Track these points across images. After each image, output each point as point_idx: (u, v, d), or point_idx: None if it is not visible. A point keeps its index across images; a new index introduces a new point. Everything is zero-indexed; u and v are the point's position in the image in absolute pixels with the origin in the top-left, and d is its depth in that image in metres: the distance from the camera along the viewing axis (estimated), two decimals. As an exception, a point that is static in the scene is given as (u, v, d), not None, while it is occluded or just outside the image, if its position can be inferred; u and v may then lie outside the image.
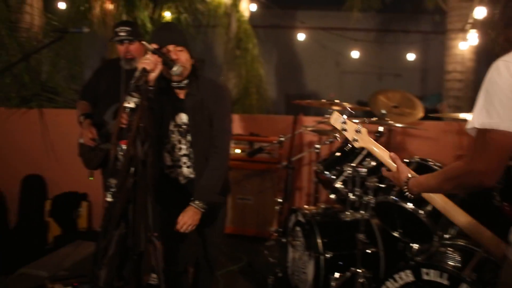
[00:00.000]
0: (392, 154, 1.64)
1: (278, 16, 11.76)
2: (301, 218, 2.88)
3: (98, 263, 1.61)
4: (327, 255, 2.65)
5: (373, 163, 2.57)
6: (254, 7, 6.37)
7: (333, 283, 2.57)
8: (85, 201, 4.34)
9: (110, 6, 4.95)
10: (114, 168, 1.69)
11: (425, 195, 1.63)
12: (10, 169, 4.29)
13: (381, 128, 2.51)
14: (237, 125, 4.32)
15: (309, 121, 4.28)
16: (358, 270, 2.51)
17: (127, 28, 2.81)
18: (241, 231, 4.24)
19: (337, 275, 2.60)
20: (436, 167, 2.37)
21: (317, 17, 12.43)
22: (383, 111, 2.51)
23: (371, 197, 2.46)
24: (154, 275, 1.72)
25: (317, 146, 3.25)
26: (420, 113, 3.52)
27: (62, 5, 5.61)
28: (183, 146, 2.20)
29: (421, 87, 14.37)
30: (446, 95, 6.09)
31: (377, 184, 2.46)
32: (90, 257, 3.36)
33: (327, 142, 3.32)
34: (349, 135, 1.65)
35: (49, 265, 3.17)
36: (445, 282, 2.02)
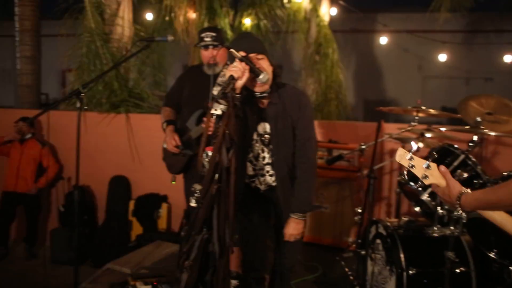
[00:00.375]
0: (442, 168, 1.47)
1: (357, 20, 11.46)
2: (382, 231, 2.73)
3: (180, 267, 1.63)
4: (411, 272, 2.48)
5: (465, 175, 2.35)
6: (334, 11, 6.24)
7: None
8: (166, 202, 4.49)
9: (192, 15, 5.13)
10: (199, 174, 1.71)
11: (484, 213, 1.45)
12: (100, 169, 4.58)
13: (475, 138, 2.28)
14: (316, 132, 4.23)
15: (390, 128, 4.08)
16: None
17: (213, 34, 2.86)
18: (317, 240, 4.14)
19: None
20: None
21: (398, 20, 11.91)
22: (478, 119, 2.28)
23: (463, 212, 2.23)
24: (234, 281, 1.72)
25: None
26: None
27: (149, 16, 5.95)
28: (266, 155, 2.20)
29: (517, 91, 13.14)
30: None
31: None
32: (169, 257, 3.49)
33: (412, 151, 3.11)
34: (418, 172, 1.52)
35: (132, 263, 3.32)
36: None
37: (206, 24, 5.20)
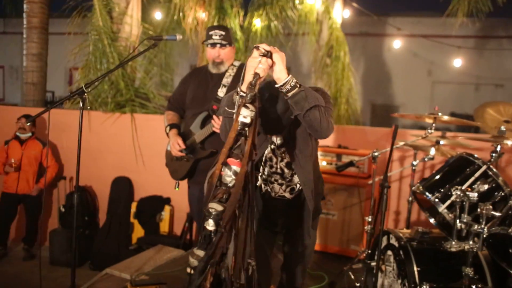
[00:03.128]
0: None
1: (366, 23, 11.33)
2: (394, 242, 2.60)
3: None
4: (424, 287, 2.34)
5: (486, 186, 2.21)
6: (347, 13, 6.11)
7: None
8: (169, 205, 4.40)
9: (202, 15, 5.03)
10: (212, 189, 1.49)
11: None
12: (102, 170, 4.50)
13: (499, 148, 2.15)
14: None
15: (402, 135, 3.96)
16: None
17: (222, 33, 2.76)
18: (323, 248, 4.01)
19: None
20: None
21: (408, 24, 11.75)
22: (503, 128, 2.15)
23: (484, 226, 2.11)
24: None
25: (414, 162, 2.94)
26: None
27: (158, 15, 5.85)
28: (276, 164, 2.01)
29: (526, 98, 12.93)
30: None
31: (492, 212, 2.11)
32: (170, 263, 3.38)
33: (426, 159, 2.99)
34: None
35: (132, 268, 3.22)
36: None
37: (216, 24, 5.11)
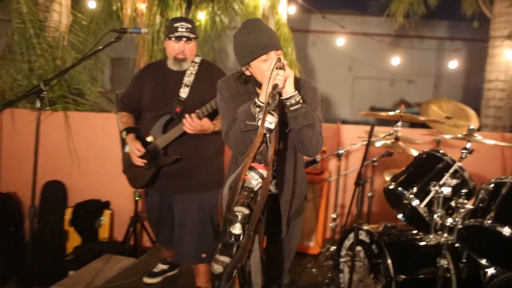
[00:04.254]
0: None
1: (295, 19, 11.56)
2: (365, 238, 2.63)
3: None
4: (399, 279, 2.40)
5: (454, 182, 2.31)
6: (292, 9, 6.09)
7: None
8: (108, 209, 4.08)
9: (142, 6, 4.67)
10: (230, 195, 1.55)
11: None
12: (31, 174, 4.03)
13: (468, 145, 2.25)
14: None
15: (348, 130, 4.07)
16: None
17: (188, 25, 2.53)
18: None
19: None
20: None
21: (331, 21, 12.21)
22: (472, 126, 2.25)
23: (459, 219, 2.20)
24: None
25: (374, 158, 3.00)
26: (476, 125, 3.28)
27: (92, 4, 5.28)
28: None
29: (434, 94, 14.15)
30: (486, 104, 5.85)
31: (466, 205, 2.21)
32: (123, 273, 3.12)
33: (385, 155, 3.08)
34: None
35: (82, 283, 2.92)
36: None
37: (158, 17, 4.74)
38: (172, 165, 2.63)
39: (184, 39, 2.49)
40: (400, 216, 2.68)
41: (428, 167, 2.50)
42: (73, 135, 3.99)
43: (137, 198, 2.80)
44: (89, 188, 4.04)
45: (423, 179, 2.45)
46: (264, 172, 1.55)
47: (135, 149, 2.59)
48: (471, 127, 2.22)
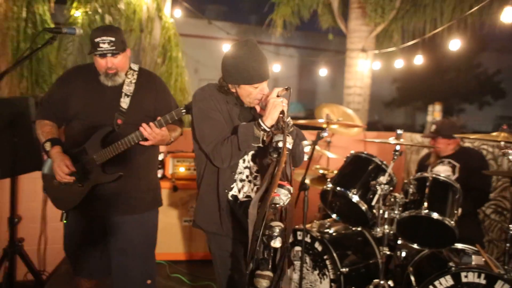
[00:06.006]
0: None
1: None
2: (307, 238, 2.81)
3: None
4: (345, 270, 2.69)
5: (384, 179, 2.68)
6: (178, 13, 5.80)
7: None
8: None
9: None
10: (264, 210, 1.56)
11: None
12: None
13: (398, 147, 2.62)
14: (179, 141, 3.93)
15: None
16: (382, 282, 2.61)
17: (110, 39, 2.23)
18: (188, 256, 3.88)
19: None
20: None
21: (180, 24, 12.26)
22: (399, 131, 2.62)
23: (398, 212, 2.57)
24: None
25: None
26: (359, 126, 3.82)
27: None
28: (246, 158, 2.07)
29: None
30: (347, 107, 6.76)
31: (404, 199, 2.60)
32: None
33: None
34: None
35: None
36: (483, 281, 2.31)
37: (24, 12, 3.89)
38: (109, 183, 2.35)
39: (109, 55, 2.24)
40: (334, 216, 2.96)
41: (361, 168, 2.81)
42: None
43: (65, 221, 2.40)
44: None
45: (360, 178, 2.76)
46: (290, 188, 1.65)
47: (63, 165, 2.23)
48: (399, 132, 2.61)
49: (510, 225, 2.61)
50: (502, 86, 17.21)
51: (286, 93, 1.87)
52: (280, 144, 1.66)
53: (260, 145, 1.86)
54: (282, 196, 1.62)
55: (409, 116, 20.00)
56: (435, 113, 5.64)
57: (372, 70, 6.94)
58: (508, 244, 2.59)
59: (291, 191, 1.64)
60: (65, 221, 2.40)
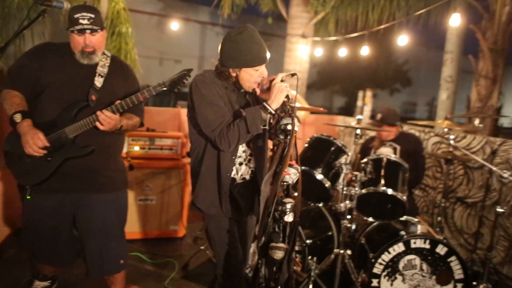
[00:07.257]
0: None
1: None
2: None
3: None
4: (310, 240, 2.98)
5: (343, 160, 2.97)
6: None
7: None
8: None
9: None
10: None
11: None
12: None
13: (358, 131, 2.90)
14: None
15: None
16: (342, 251, 2.91)
17: (90, 15, 2.23)
18: (143, 235, 3.92)
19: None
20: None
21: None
22: (360, 117, 2.90)
23: (358, 189, 2.87)
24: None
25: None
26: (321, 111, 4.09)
27: None
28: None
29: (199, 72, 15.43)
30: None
31: (364, 177, 2.90)
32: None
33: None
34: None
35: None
36: (427, 246, 2.69)
37: None
38: (80, 160, 2.32)
39: (88, 31, 2.23)
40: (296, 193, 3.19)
41: (323, 150, 3.07)
42: None
43: (28, 197, 2.32)
44: None
45: (323, 159, 3.02)
46: (298, 167, 1.86)
47: (37, 138, 2.18)
48: (359, 117, 2.90)
49: (442, 200, 3.08)
50: (409, 75, 19.01)
51: (291, 78, 1.99)
52: (289, 127, 1.81)
53: (267, 128, 1.97)
54: (292, 175, 1.82)
55: (327, 98, 21.15)
56: (366, 98, 6.13)
57: (311, 55, 7.28)
58: (440, 217, 3.07)
59: (299, 170, 1.84)
60: (28, 197, 2.32)
